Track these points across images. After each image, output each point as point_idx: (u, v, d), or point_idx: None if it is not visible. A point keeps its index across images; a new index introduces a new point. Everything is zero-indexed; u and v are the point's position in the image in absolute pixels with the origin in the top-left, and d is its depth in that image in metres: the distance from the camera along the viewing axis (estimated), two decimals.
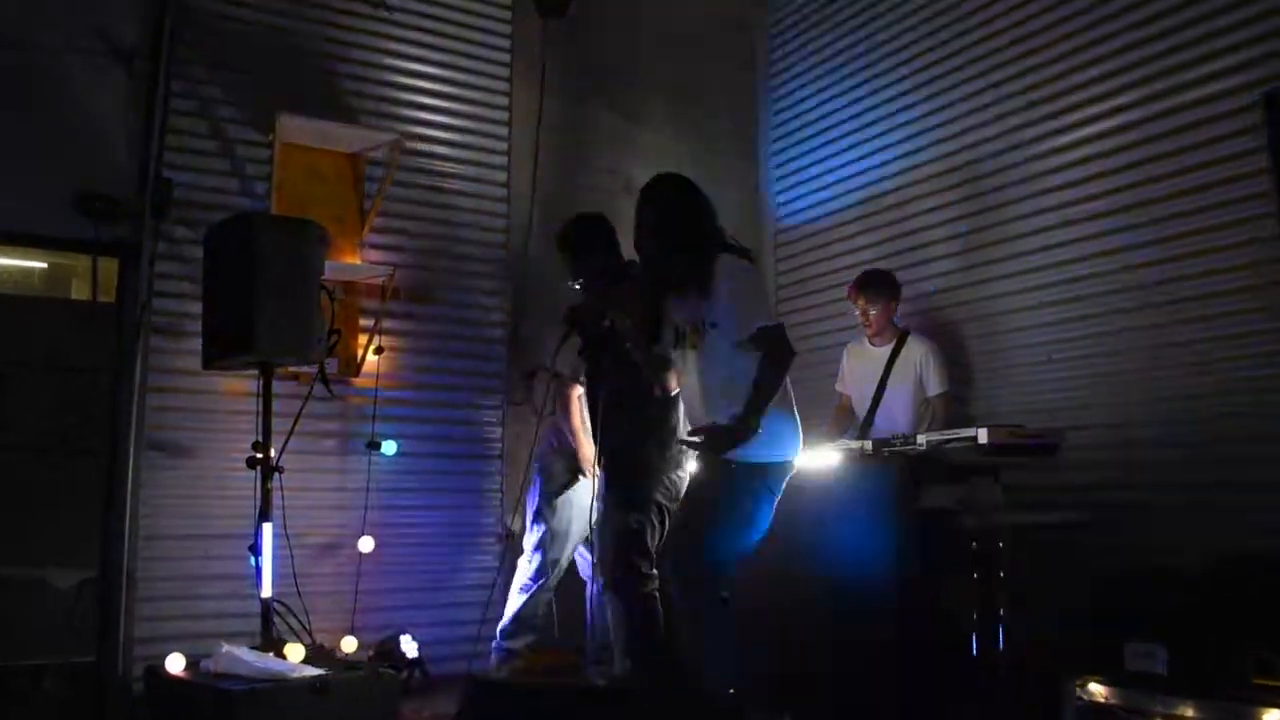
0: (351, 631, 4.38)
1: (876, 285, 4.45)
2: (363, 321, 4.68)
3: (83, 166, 4.12)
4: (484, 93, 5.12)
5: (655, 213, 3.26)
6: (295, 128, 4.43)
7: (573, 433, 4.08)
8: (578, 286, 3.82)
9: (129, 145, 4.22)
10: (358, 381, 4.64)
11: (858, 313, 4.47)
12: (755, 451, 3.08)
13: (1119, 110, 4.00)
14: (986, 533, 3.35)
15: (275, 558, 3.80)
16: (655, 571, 3.46)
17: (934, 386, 4.37)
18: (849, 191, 5.24)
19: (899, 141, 4.95)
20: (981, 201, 4.54)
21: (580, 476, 4.08)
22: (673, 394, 3.54)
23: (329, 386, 3.93)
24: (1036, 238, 4.29)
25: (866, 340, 4.53)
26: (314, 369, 4.24)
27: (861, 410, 4.49)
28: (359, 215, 4.71)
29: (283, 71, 4.61)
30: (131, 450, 4.08)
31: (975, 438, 3.42)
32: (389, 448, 4.56)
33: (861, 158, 5.16)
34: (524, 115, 5.21)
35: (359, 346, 4.64)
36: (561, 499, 4.08)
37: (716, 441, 3.04)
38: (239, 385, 4.29)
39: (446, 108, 5.02)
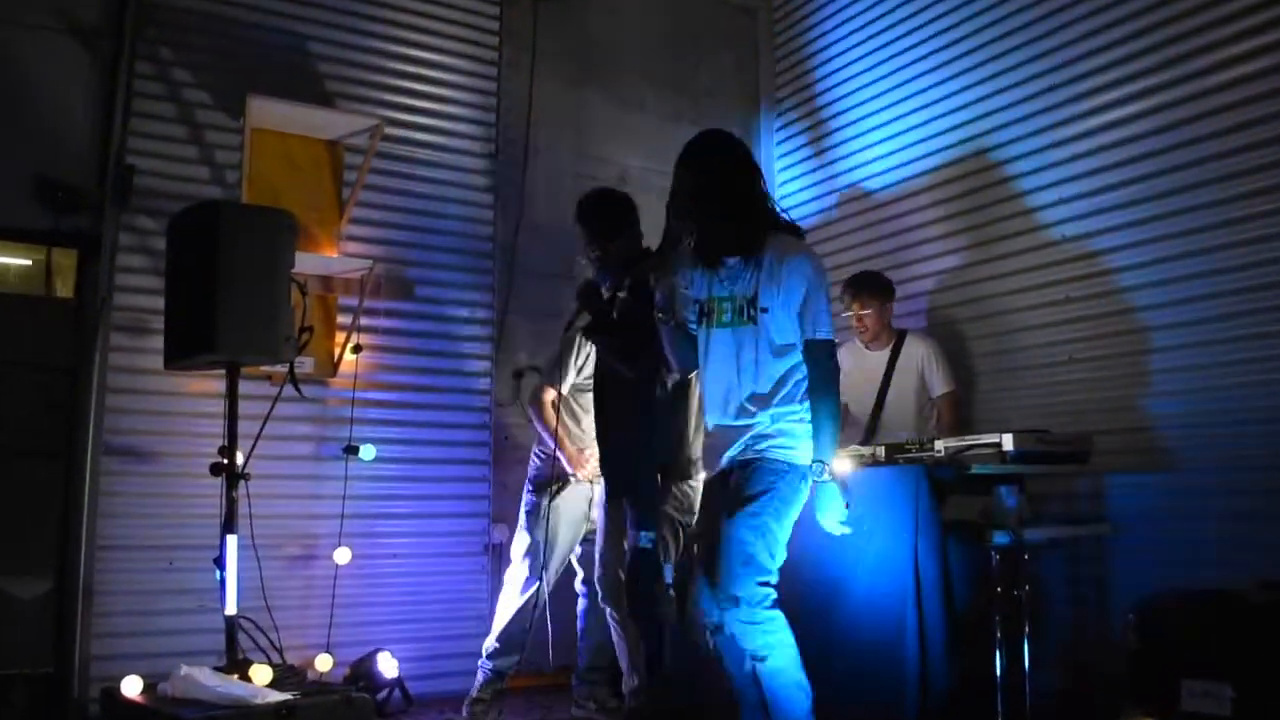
0: (327, 649, 4.13)
1: (871, 287, 4.18)
2: (340, 319, 4.41)
3: (39, 152, 3.85)
4: (471, 77, 4.85)
5: (696, 175, 2.85)
6: (267, 112, 4.15)
7: (551, 435, 3.84)
8: (591, 260, 3.47)
9: (90, 130, 3.95)
10: (335, 382, 4.36)
11: (850, 317, 4.19)
12: (803, 455, 2.83)
13: (1151, 91, 3.72)
14: (1010, 546, 3.08)
15: (242, 571, 3.54)
16: (672, 592, 3.18)
17: (939, 386, 4.12)
18: (858, 181, 4.96)
19: (912, 128, 4.67)
20: (1000, 191, 4.26)
21: (571, 480, 3.82)
22: (688, 389, 3.24)
23: (298, 388, 3.64)
24: (1059, 229, 4.02)
25: (860, 344, 4.26)
26: (285, 369, 4.09)
27: (861, 416, 4.22)
28: (337, 206, 4.43)
29: (256, 53, 4.34)
30: (89, 454, 3.81)
31: (999, 444, 3.15)
32: (367, 453, 4.28)
33: (870, 146, 4.89)
34: (514, 101, 4.95)
35: (336, 345, 4.37)
36: (550, 506, 3.82)
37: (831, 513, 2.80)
38: (207, 386, 4.02)
39: (431, 92, 4.74)
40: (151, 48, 4.12)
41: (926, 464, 3.25)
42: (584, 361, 3.81)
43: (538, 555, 3.78)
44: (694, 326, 2.99)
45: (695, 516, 3.15)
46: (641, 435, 3.19)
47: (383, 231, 4.57)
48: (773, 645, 2.67)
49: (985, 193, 4.31)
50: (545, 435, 3.86)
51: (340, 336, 4.37)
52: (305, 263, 4.11)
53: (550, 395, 3.85)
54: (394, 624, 4.32)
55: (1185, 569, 3.31)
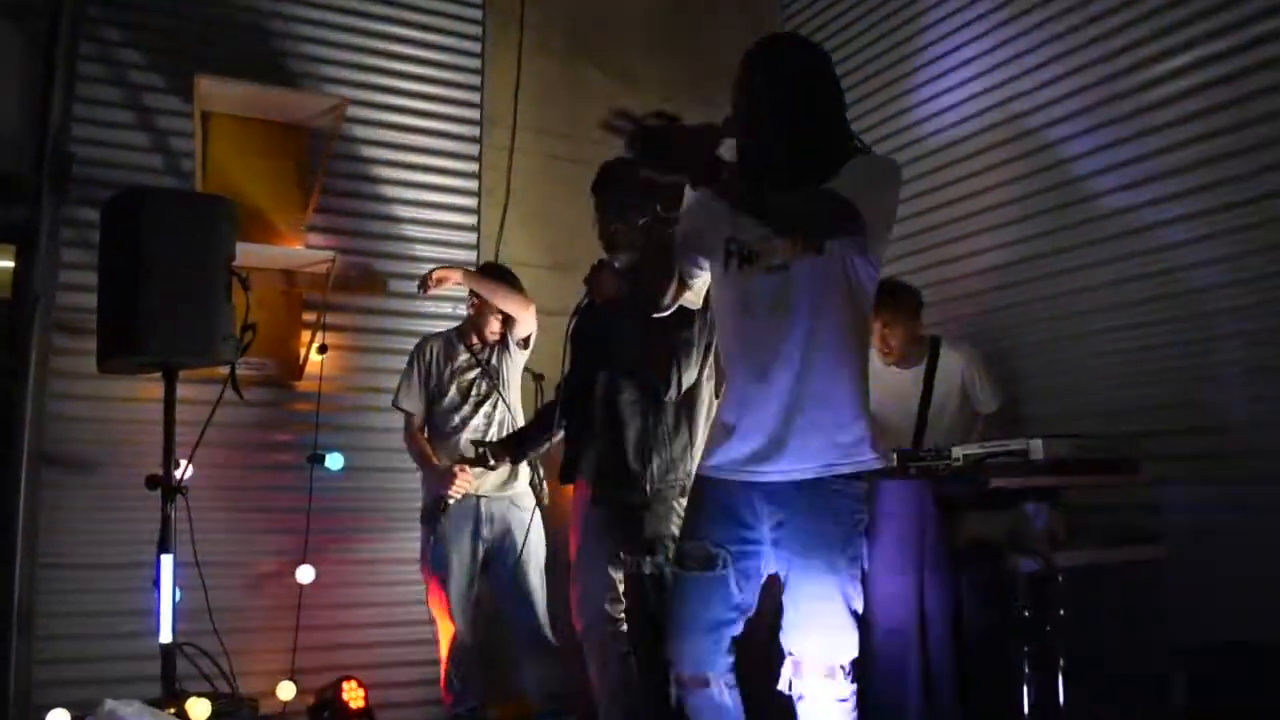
0: (291, 676, 3.79)
1: (898, 303, 3.55)
2: (307, 316, 4.07)
3: None
4: (450, 53, 4.45)
5: (772, 86, 2.18)
6: (220, 94, 3.82)
7: (419, 459, 3.63)
8: (619, 231, 2.90)
9: (23, 116, 3.64)
10: (301, 385, 4.02)
11: (873, 338, 3.57)
12: (857, 455, 2.17)
13: (1215, 34, 3.17)
14: (1041, 574, 2.59)
15: (182, 594, 3.24)
16: None
17: (989, 402, 3.58)
18: None
19: (936, 95, 4.16)
20: (1040, 160, 3.72)
21: (449, 502, 3.50)
22: (695, 393, 2.79)
23: (239, 391, 3.28)
24: (1108, 199, 3.48)
25: (882, 363, 3.66)
26: (251, 370, 3.84)
27: (899, 441, 3.58)
28: (302, 194, 4.09)
29: (212, 31, 4.00)
30: (25, 464, 3.51)
31: (1027, 451, 2.68)
32: (334, 461, 3.93)
33: (891, 118, 4.38)
34: (499, 78, 4.56)
35: (302, 345, 4.02)
36: (437, 533, 3.48)
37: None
38: (158, 391, 3.69)
39: (406, 70, 4.36)
40: (94, 26, 3.81)
41: (939, 476, 2.79)
42: (427, 371, 3.63)
43: (444, 592, 3.52)
44: (700, 271, 2.37)
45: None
46: (640, 443, 2.76)
47: (353, 221, 4.21)
48: None
49: (1022, 163, 3.79)
50: (421, 464, 3.65)
51: (306, 335, 4.02)
52: (260, 255, 3.79)
53: (417, 421, 3.67)
54: (364, 648, 3.96)
55: (1259, 597, 2.80)
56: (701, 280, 2.40)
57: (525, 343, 3.70)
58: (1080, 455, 2.72)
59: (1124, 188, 3.43)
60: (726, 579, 2.20)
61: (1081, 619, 2.57)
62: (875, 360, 3.68)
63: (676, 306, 2.47)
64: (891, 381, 3.65)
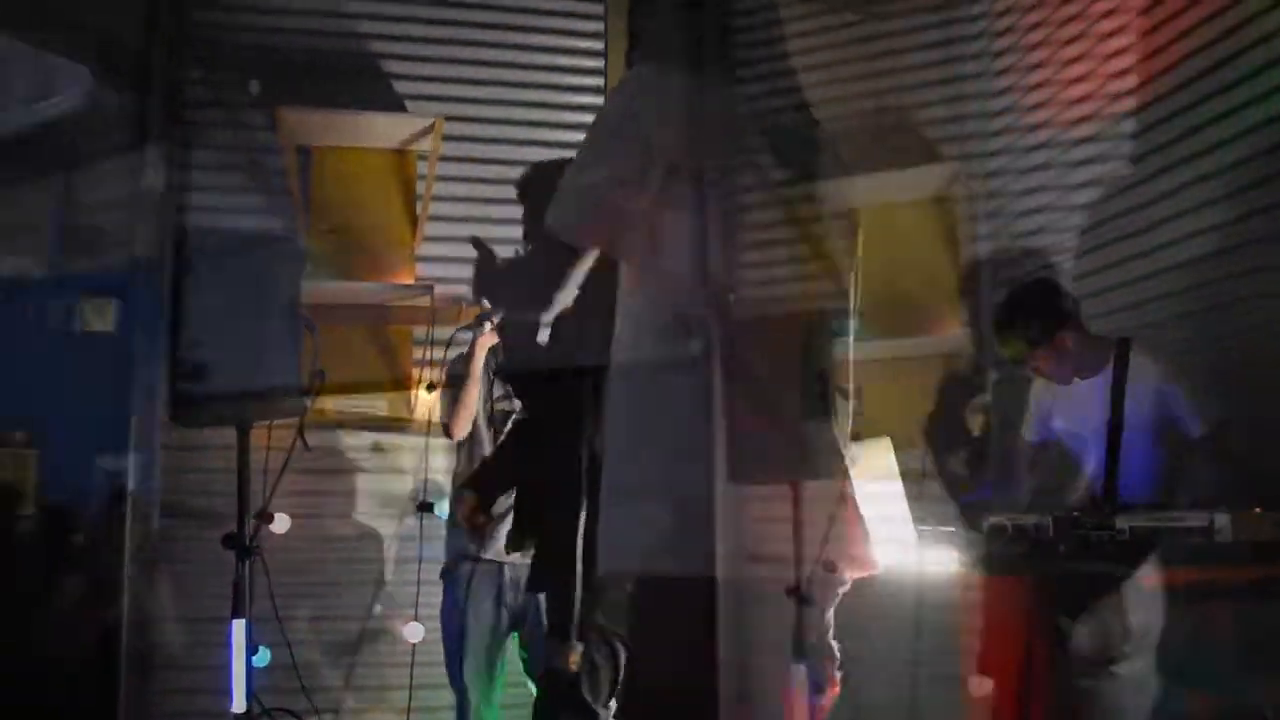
0: None
1: (1027, 317, 2.77)
2: (417, 352, 3.85)
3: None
4: (568, 55, 4.10)
5: None
6: (308, 125, 3.70)
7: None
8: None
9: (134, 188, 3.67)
10: (417, 427, 3.81)
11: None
12: None
13: None
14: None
15: (271, 655, 3.21)
16: None
17: (1197, 424, 2.64)
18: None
19: (1104, 37, 3.20)
20: (1251, 114, 2.70)
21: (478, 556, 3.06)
22: None
23: (305, 441, 3.07)
24: None
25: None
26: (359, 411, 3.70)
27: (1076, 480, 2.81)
28: (410, 224, 3.87)
29: (311, 60, 3.87)
30: (129, 513, 3.54)
31: (1211, 526, 1.86)
32: (445, 509, 3.66)
33: (1046, 83, 3.36)
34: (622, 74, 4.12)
35: (412, 384, 3.80)
36: (454, 596, 3.14)
37: None
38: (262, 437, 3.60)
39: (514, 79, 4.06)
40: (188, 72, 3.80)
41: (1102, 550, 2.02)
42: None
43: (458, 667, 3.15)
44: None
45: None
46: (563, 492, 2.25)
47: (465, 249, 3.94)
48: None
49: (1232, 120, 2.77)
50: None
51: (418, 373, 3.81)
52: (348, 291, 3.64)
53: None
54: None
55: None
56: None
57: None
58: None
59: None
60: None
61: None
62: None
63: None
64: (1068, 392, 2.84)
